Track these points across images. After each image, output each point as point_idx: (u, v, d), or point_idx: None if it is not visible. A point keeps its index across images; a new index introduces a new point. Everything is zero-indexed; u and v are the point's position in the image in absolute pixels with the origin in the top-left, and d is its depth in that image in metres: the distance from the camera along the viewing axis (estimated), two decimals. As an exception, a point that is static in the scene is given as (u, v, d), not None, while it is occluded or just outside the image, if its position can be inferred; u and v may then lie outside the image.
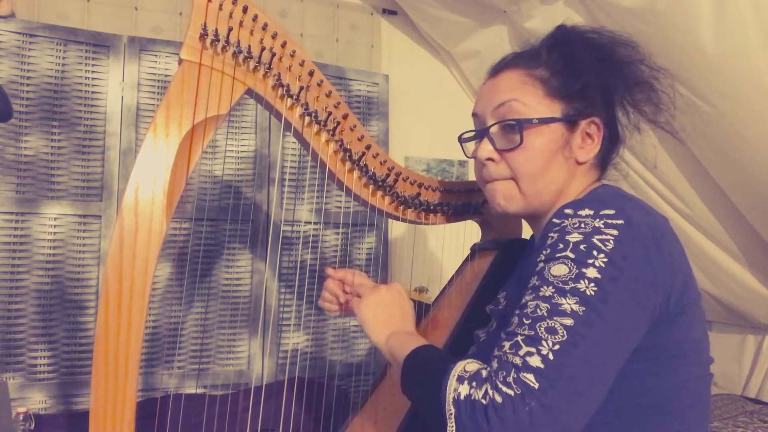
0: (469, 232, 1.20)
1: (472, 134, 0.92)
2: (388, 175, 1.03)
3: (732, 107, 1.49)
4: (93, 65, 1.78)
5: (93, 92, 1.78)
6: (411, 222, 1.10)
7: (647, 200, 1.93)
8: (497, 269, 1.08)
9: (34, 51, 1.72)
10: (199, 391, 1.85)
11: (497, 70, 0.88)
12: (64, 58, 1.75)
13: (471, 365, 0.67)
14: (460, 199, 1.12)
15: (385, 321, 0.88)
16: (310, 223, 2.03)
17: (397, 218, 1.09)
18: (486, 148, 0.85)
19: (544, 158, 0.82)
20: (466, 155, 0.94)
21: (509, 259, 1.05)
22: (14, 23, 1.70)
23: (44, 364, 1.70)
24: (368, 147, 1.00)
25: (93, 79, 1.78)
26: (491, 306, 0.95)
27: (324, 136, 0.96)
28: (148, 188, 0.80)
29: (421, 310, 1.16)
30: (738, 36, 1.37)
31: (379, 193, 1.05)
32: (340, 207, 2.06)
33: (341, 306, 1.08)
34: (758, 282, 1.90)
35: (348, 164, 1.00)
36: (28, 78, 1.71)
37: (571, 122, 0.82)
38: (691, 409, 0.75)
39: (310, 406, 1.50)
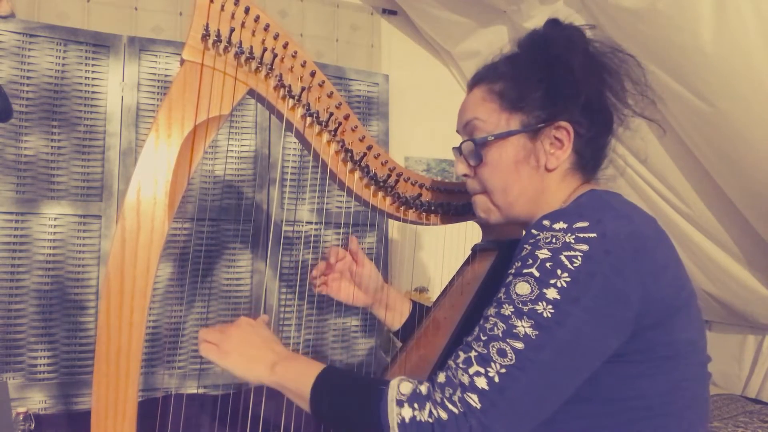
0: (469, 233, 1.20)
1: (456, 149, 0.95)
2: (389, 176, 1.04)
3: (732, 107, 1.49)
4: (93, 65, 1.78)
5: (93, 92, 1.78)
6: (412, 222, 1.10)
7: (647, 200, 1.94)
8: (497, 270, 1.08)
9: (34, 51, 1.72)
10: (200, 391, 1.85)
11: (469, 85, 0.92)
12: (64, 58, 1.75)
13: (404, 386, 0.69)
14: (461, 200, 1.12)
15: (255, 356, 0.82)
16: (310, 223, 2.03)
17: (398, 219, 1.09)
18: (460, 165, 0.90)
19: (507, 172, 0.84)
20: None
21: (509, 260, 1.05)
22: (14, 23, 1.70)
23: (44, 364, 1.70)
24: (369, 148, 1.00)
25: (93, 79, 1.78)
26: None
27: (325, 136, 0.96)
28: (150, 188, 0.80)
29: (422, 311, 1.16)
30: (738, 36, 1.37)
31: (380, 194, 1.05)
32: (341, 207, 2.07)
33: (324, 283, 1.10)
34: (758, 282, 1.90)
35: (349, 165, 1.00)
36: (28, 78, 1.71)
37: (533, 131, 0.82)
38: (687, 410, 0.75)
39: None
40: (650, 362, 0.72)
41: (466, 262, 1.18)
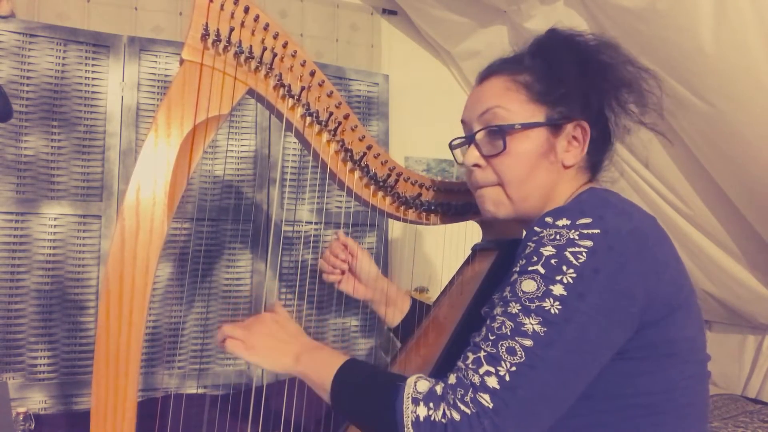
0: (469, 232, 1.20)
1: (461, 141, 0.94)
2: (389, 176, 1.04)
3: (732, 107, 1.49)
4: (93, 65, 1.78)
5: (93, 92, 1.78)
6: (412, 222, 1.10)
7: (647, 200, 1.94)
8: (497, 270, 1.08)
9: (34, 51, 1.72)
10: (200, 391, 1.85)
11: (483, 77, 0.90)
12: (64, 58, 1.75)
13: (421, 384, 0.69)
14: (461, 200, 1.12)
15: (281, 348, 0.83)
16: (310, 223, 2.03)
17: (398, 218, 1.09)
18: (472, 155, 0.87)
19: (528, 163, 0.83)
20: (456, 162, 0.96)
21: (509, 260, 1.05)
22: (14, 23, 1.70)
23: (44, 364, 1.70)
24: (369, 147, 1.00)
25: (93, 79, 1.78)
26: (486, 309, 0.95)
27: (325, 136, 0.96)
28: (150, 188, 0.80)
29: (422, 310, 1.16)
30: (738, 36, 1.37)
31: (380, 194, 1.05)
32: (341, 207, 2.06)
33: (337, 270, 1.14)
34: (758, 282, 1.90)
35: (349, 164, 1.00)
36: (28, 78, 1.71)
37: (555, 126, 0.83)
38: (686, 408, 0.75)
39: (310, 406, 1.50)
40: (651, 360, 0.72)
41: (466, 262, 1.18)
